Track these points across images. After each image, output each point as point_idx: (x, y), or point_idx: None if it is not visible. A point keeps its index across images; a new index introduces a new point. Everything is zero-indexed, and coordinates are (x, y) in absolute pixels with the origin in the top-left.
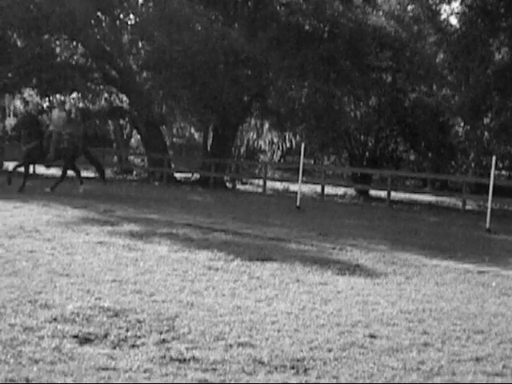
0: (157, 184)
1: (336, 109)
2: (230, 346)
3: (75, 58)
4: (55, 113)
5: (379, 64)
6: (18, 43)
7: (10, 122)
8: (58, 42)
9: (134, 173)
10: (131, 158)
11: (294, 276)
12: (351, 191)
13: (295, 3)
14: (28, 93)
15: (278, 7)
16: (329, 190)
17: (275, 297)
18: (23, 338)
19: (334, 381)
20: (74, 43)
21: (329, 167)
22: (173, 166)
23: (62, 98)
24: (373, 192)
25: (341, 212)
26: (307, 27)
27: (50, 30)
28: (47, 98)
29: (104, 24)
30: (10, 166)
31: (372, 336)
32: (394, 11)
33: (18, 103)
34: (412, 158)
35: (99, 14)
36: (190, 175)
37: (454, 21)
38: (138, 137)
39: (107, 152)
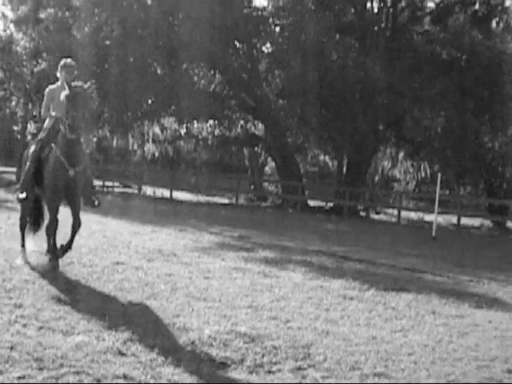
0: (291, 211)
1: (473, 139)
2: (366, 375)
3: (213, 86)
4: (57, 88)
5: None
6: (158, 71)
7: (149, 147)
8: (196, 71)
9: (270, 200)
10: (265, 185)
11: (430, 307)
12: (488, 223)
13: (432, 32)
14: (167, 120)
15: (415, 36)
16: (465, 221)
17: (411, 328)
18: (162, 359)
19: None
20: (212, 71)
21: (465, 198)
22: (307, 193)
23: None
24: (511, 224)
25: (477, 244)
26: (444, 56)
27: (189, 58)
28: (185, 125)
29: (241, 53)
30: (148, 190)
31: (511, 372)
32: None
33: (157, 130)
34: None
35: (237, 43)
36: (323, 203)
37: None
38: (273, 164)
39: (242, 178)
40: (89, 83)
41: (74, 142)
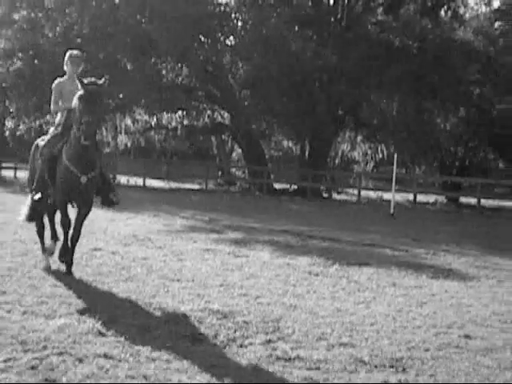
0: (257, 194)
1: (426, 121)
2: (332, 346)
3: (180, 78)
4: (65, 81)
5: (467, 77)
6: (128, 66)
7: (122, 138)
8: (164, 65)
9: (237, 184)
10: (233, 170)
11: (390, 280)
12: (442, 199)
13: (385, 21)
14: (138, 112)
15: (369, 26)
16: (420, 198)
17: (373, 299)
18: (140, 338)
19: (432, 379)
20: (179, 65)
21: (420, 176)
22: (272, 177)
23: None
24: (463, 199)
25: (433, 219)
26: (397, 44)
27: (157, 53)
28: (155, 117)
29: (206, 46)
30: (122, 179)
31: (467, 336)
32: (481, 27)
33: (129, 122)
34: (501, 166)
35: (202, 37)
36: (288, 186)
37: None
38: (239, 150)
39: (211, 165)
40: (103, 79)
41: (88, 148)
